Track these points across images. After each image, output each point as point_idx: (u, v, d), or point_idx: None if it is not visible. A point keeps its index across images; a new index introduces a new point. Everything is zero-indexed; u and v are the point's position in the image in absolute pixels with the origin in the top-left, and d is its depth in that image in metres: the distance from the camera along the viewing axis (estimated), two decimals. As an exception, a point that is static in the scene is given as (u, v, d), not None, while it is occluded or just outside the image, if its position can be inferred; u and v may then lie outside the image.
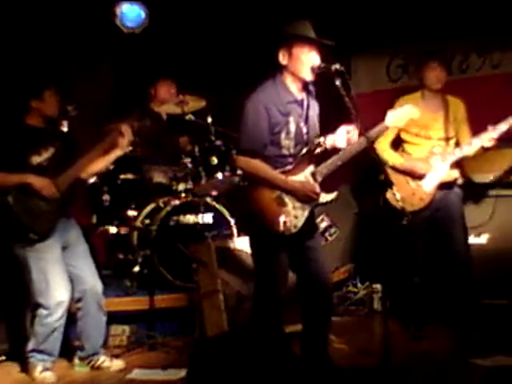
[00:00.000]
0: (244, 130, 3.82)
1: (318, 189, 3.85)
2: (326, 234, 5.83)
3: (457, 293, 4.86)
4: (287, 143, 3.84)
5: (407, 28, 6.09)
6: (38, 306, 4.36)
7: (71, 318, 4.54)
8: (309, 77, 3.82)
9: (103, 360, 4.56)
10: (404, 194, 4.72)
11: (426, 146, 4.88)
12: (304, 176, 3.86)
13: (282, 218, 3.78)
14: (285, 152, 3.84)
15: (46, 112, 4.42)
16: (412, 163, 4.87)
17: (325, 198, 3.90)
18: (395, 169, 4.89)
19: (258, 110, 3.77)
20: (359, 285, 6.01)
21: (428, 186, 4.82)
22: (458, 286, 4.85)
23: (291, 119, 3.82)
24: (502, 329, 4.78)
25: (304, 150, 3.86)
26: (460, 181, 4.96)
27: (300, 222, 3.82)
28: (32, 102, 4.39)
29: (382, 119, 3.93)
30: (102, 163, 4.63)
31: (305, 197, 3.82)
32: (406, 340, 4.75)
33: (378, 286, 5.73)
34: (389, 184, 4.57)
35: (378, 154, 4.83)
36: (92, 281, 4.52)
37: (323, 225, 5.84)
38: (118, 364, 4.59)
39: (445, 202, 4.87)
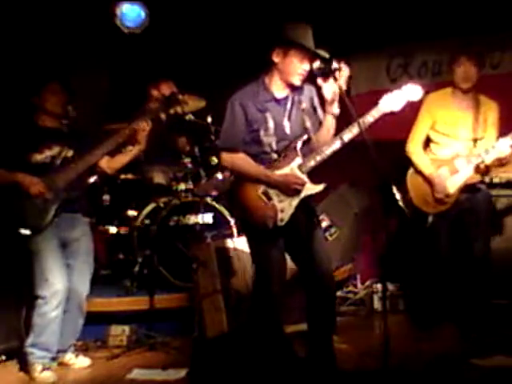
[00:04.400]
0: (222, 129, 3.94)
1: (303, 181, 3.86)
2: (326, 234, 5.82)
3: (472, 293, 4.80)
4: (268, 140, 3.86)
5: (407, 27, 6.09)
6: (35, 297, 4.39)
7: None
8: (297, 82, 3.85)
9: (69, 358, 4.60)
10: (427, 196, 4.78)
11: (451, 146, 4.77)
12: (290, 168, 3.87)
13: (267, 214, 3.80)
14: (267, 149, 3.87)
15: (47, 109, 4.45)
16: (436, 179, 4.76)
17: (311, 189, 3.89)
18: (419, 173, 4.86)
19: (234, 108, 3.85)
20: (359, 285, 6.02)
21: (451, 188, 4.74)
22: (473, 286, 4.79)
23: (269, 116, 3.85)
24: (502, 329, 4.77)
25: (290, 144, 3.87)
26: (487, 179, 4.86)
27: (287, 216, 3.84)
28: (33, 100, 4.45)
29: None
30: (123, 158, 4.68)
31: (289, 190, 3.84)
32: (406, 340, 4.74)
33: (378, 286, 5.73)
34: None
35: (407, 153, 4.87)
36: (81, 283, 4.53)
37: (323, 225, 5.83)
38: (83, 361, 4.62)
39: (471, 203, 4.79)
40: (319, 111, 3.96)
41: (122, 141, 4.53)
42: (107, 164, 4.66)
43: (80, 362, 4.62)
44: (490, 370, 4.13)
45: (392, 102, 3.87)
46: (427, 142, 4.92)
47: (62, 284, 4.39)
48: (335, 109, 3.86)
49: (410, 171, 4.90)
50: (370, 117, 3.83)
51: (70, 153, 4.48)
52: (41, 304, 4.37)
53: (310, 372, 3.89)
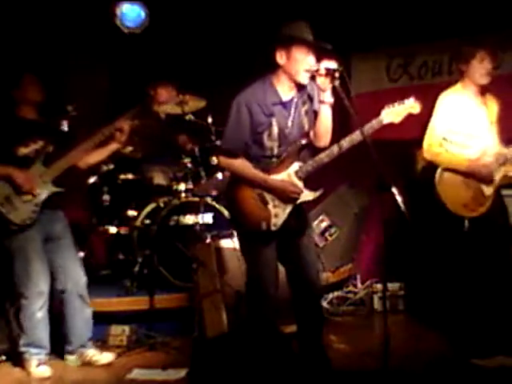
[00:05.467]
0: (226, 129, 3.91)
1: (299, 187, 3.86)
2: (326, 234, 5.82)
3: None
4: (270, 144, 3.86)
5: (407, 28, 6.09)
6: (20, 296, 4.42)
7: (59, 314, 4.59)
8: (304, 80, 3.84)
9: (92, 354, 4.61)
10: (464, 200, 4.48)
11: (474, 146, 4.53)
12: (287, 174, 3.88)
13: (261, 217, 3.81)
14: (268, 153, 3.88)
15: (29, 98, 4.47)
16: (478, 165, 4.46)
17: (307, 196, 3.90)
18: (455, 172, 4.50)
19: (240, 109, 3.83)
20: (359, 285, 6.02)
21: (488, 190, 4.49)
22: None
23: (274, 121, 3.84)
24: (503, 329, 4.77)
25: (289, 149, 3.87)
26: None
27: (280, 221, 3.84)
28: (13, 93, 4.47)
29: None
30: (99, 155, 4.68)
31: (285, 196, 3.84)
32: (406, 340, 4.74)
33: (378, 286, 5.73)
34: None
35: (430, 157, 4.57)
36: (74, 273, 4.57)
37: (323, 225, 5.84)
38: (107, 357, 4.63)
39: (501, 207, 4.58)
40: (315, 103, 3.96)
41: (103, 139, 4.54)
42: (82, 159, 4.63)
43: (104, 358, 4.62)
44: (491, 371, 4.13)
45: (393, 114, 3.89)
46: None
47: (46, 284, 4.43)
48: (329, 97, 3.85)
49: (439, 175, 4.53)
50: (370, 128, 3.84)
51: (52, 148, 4.50)
52: (26, 305, 4.41)
53: (308, 372, 3.89)
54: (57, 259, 4.52)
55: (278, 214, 3.85)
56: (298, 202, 3.88)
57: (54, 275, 4.51)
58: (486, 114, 4.61)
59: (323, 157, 3.86)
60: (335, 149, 3.85)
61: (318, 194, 3.93)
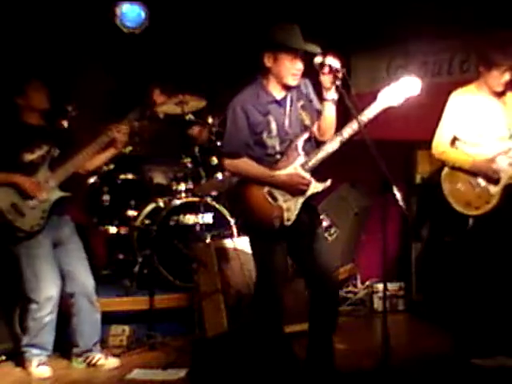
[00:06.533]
0: (225, 133, 3.94)
1: (307, 179, 3.85)
2: (326, 234, 5.82)
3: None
4: (271, 142, 3.86)
5: (407, 27, 6.08)
6: (29, 300, 4.41)
7: (67, 316, 4.58)
8: (292, 82, 3.84)
9: (98, 358, 4.59)
10: (468, 197, 4.45)
11: (486, 145, 4.46)
12: (293, 168, 3.86)
13: (274, 214, 3.80)
14: (270, 151, 3.87)
15: (34, 106, 4.45)
16: (483, 163, 4.40)
17: (317, 187, 3.88)
18: (459, 169, 4.46)
19: (236, 111, 3.85)
20: (359, 285, 6.02)
21: (493, 188, 4.42)
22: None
23: (271, 119, 3.85)
24: (504, 329, 4.76)
25: (291, 144, 3.87)
26: None
27: (293, 215, 3.83)
28: (17, 100, 4.44)
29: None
30: (99, 161, 4.67)
31: (293, 189, 3.83)
32: (406, 340, 4.74)
33: (378, 286, 5.73)
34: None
35: (437, 156, 4.55)
36: (83, 278, 4.55)
37: (323, 225, 5.83)
38: (112, 362, 4.61)
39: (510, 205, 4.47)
40: (315, 101, 3.95)
41: (108, 141, 4.52)
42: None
43: (110, 363, 4.60)
44: (491, 371, 4.13)
45: (390, 95, 3.85)
46: (452, 142, 4.58)
47: (55, 289, 4.41)
48: (333, 94, 3.83)
49: (445, 173, 4.52)
50: (369, 112, 3.81)
51: (57, 152, 4.48)
52: (34, 309, 4.39)
53: (308, 372, 3.89)
54: (65, 264, 4.50)
55: (290, 207, 3.83)
56: (309, 193, 3.86)
57: (63, 279, 4.50)
58: (505, 113, 4.49)
59: (327, 147, 3.85)
60: (338, 139, 3.83)
61: (327, 184, 3.89)
